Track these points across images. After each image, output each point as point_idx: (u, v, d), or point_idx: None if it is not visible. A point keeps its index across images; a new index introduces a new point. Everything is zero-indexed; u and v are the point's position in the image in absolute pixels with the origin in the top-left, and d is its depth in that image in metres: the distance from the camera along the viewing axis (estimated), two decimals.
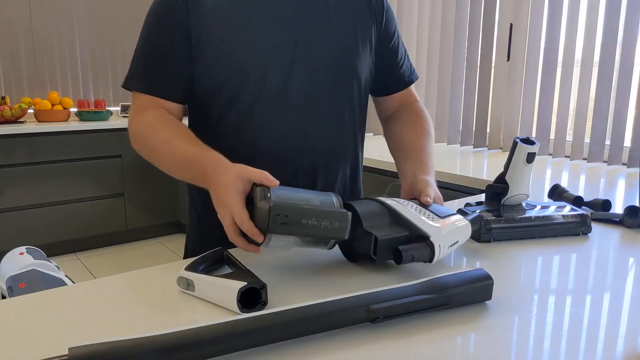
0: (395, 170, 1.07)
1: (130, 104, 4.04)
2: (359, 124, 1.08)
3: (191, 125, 1.04)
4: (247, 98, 0.95)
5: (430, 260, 0.77)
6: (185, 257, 1.08)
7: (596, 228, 1.07)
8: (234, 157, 0.84)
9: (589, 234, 1.02)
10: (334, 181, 1.05)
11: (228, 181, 0.76)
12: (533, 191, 1.44)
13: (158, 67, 0.95)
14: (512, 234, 0.98)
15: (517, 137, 1.02)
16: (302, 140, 0.98)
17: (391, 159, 1.09)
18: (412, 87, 1.17)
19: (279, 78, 0.95)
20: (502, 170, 1.05)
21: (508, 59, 2.32)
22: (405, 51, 1.15)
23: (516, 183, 1.03)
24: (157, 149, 0.90)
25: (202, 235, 1.06)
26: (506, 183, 1.04)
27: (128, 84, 0.97)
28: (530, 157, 1.01)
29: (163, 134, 0.90)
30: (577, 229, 1.01)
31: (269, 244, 0.74)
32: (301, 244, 0.76)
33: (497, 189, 1.05)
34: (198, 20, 0.92)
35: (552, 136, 2.22)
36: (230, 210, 0.75)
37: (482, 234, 0.96)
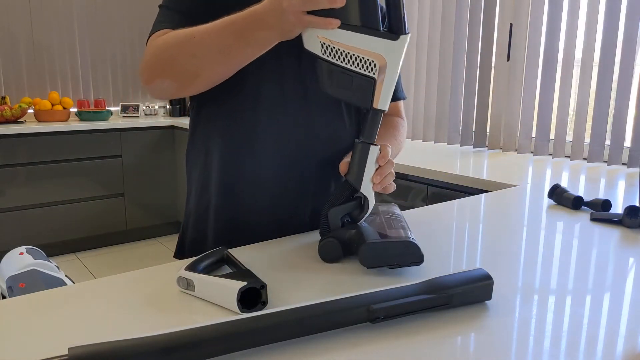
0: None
1: (130, 103, 3.98)
2: (356, 118, 1.10)
3: (195, 111, 1.05)
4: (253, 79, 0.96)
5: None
6: (179, 246, 1.15)
7: (596, 228, 1.07)
8: (233, 144, 0.90)
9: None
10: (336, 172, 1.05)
11: None
12: (533, 191, 1.44)
13: (179, 12, 0.93)
14: None
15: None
16: (305, 129, 1.00)
17: None
18: (401, 103, 1.20)
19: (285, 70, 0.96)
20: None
21: (508, 59, 2.32)
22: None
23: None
24: (189, 35, 0.86)
25: (199, 219, 1.10)
26: None
27: (150, 35, 0.95)
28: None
29: (187, 29, 0.87)
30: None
31: None
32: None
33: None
34: None
35: (552, 136, 2.22)
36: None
37: None
